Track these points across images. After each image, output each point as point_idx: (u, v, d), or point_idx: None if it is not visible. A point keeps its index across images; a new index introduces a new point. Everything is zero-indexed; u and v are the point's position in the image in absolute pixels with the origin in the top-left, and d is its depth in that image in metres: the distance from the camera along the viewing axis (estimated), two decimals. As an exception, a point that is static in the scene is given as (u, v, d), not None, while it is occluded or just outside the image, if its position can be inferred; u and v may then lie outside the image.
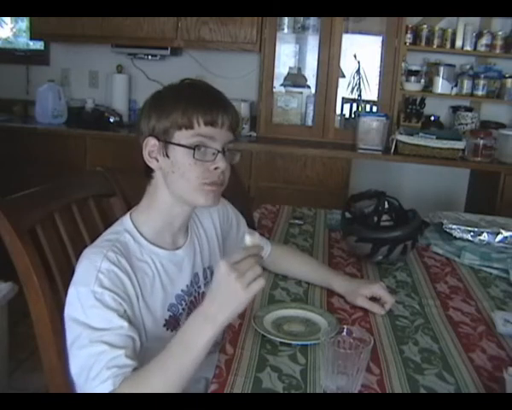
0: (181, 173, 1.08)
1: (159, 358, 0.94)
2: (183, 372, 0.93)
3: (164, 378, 0.92)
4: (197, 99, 1.08)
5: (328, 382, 0.96)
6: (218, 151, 1.08)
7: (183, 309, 1.18)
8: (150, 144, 1.09)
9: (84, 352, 0.96)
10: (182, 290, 1.18)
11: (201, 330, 0.92)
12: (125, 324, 0.99)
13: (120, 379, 0.92)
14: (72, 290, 1.01)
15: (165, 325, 1.13)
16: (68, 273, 1.17)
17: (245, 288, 0.90)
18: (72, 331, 0.99)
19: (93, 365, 0.94)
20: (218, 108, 1.08)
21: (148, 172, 1.13)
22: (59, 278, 1.18)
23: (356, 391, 0.95)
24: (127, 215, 1.15)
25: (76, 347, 0.97)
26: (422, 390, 0.99)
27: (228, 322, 0.94)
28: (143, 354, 1.02)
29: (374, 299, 1.30)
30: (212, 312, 0.92)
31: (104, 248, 1.05)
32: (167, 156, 1.08)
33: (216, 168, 1.08)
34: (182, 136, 1.07)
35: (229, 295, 0.91)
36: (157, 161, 1.09)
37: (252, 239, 0.97)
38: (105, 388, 0.92)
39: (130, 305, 1.03)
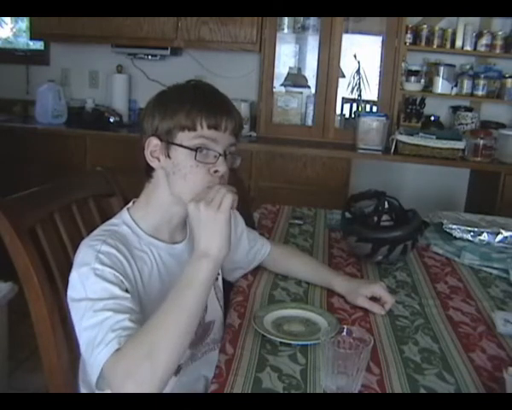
0: (182, 175, 1.08)
1: (159, 308, 0.93)
2: (187, 313, 0.93)
3: (170, 323, 0.91)
4: (202, 102, 1.08)
5: (328, 382, 0.96)
6: (220, 154, 1.08)
7: None
8: (152, 144, 1.09)
9: (89, 323, 0.95)
10: None
11: (198, 268, 0.94)
12: (128, 295, 0.99)
13: (125, 340, 0.91)
14: (73, 274, 1.01)
15: None
16: (68, 273, 1.17)
17: (217, 210, 0.94)
18: (76, 312, 0.98)
19: (98, 332, 0.93)
20: (222, 111, 1.09)
21: (149, 172, 1.13)
22: (59, 278, 1.19)
23: (356, 391, 0.95)
24: (125, 210, 1.16)
25: (82, 322, 0.96)
26: (422, 390, 0.99)
27: (223, 253, 0.96)
28: None
29: (374, 299, 1.30)
30: (202, 249, 0.95)
31: (103, 236, 1.06)
32: (169, 157, 1.09)
33: (216, 171, 1.09)
34: (184, 137, 1.07)
35: (208, 225, 0.94)
36: (159, 160, 1.10)
37: None
38: (109, 349, 0.90)
39: (130, 285, 1.02)
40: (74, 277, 1.01)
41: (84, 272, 0.99)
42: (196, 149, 1.06)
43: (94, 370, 0.92)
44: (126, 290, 1.00)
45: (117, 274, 1.00)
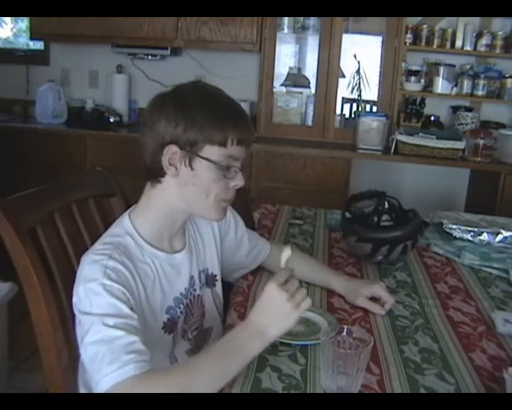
0: (202, 187, 1.09)
1: (203, 355, 0.97)
2: (226, 377, 0.95)
3: (207, 376, 0.94)
4: (233, 117, 1.09)
5: (328, 382, 0.96)
6: (240, 169, 1.11)
7: (181, 312, 1.18)
8: (171, 151, 1.07)
9: (97, 337, 0.94)
10: (180, 294, 1.18)
11: (250, 343, 0.96)
12: (135, 315, 0.99)
13: (144, 366, 0.91)
14: (80, 289, 1.00)
15: (163, 328, 1.14)
16: (68, 273, 1.17)
17: (295, 307, 0.97)
18: (83, 324, 0.97)
19: (107, 350, 0.92)
20: (248, 127, 1.12)
21: (157, 176, 1.11)
22: (59, 278, 1.18)
23: (356, 391, 0.95)
24: (126, 216, 1.15)
25: (89, 336, 0.95)
26: (422, 390, 0.99)
27: (273, 340, 0.99)
28: None
29: (374, 299, 1.30)
30: (262, 327, 0.97)
31: (108, 249, 1.05)
32: (191, 167, 1.08)
33: (234, 185, 1.11)
34: (212, 151, 1.07)
35: (281, 314, 0.97)
36: (175, 168, 1.08)
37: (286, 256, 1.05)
38: (125, 372, 0.90)
39: (134, 303, 1.02)
40: (80, 292, 0.99)
41: (92, 287, 0.98)
42: (226, 167, 1.08)
43: (100, 386, 0.91)
44: (131, 309, 0.99)
45: (124, 291, 1.00)
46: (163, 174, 1.10)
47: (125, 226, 1.12)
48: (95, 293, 0.97)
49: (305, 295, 0.99)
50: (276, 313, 0.97)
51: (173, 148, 1.07)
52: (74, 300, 1.01)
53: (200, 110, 1.06)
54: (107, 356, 0.91)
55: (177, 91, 1.11)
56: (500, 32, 3.12)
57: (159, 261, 1.13)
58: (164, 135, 1.07)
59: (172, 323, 1.16)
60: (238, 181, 1.11)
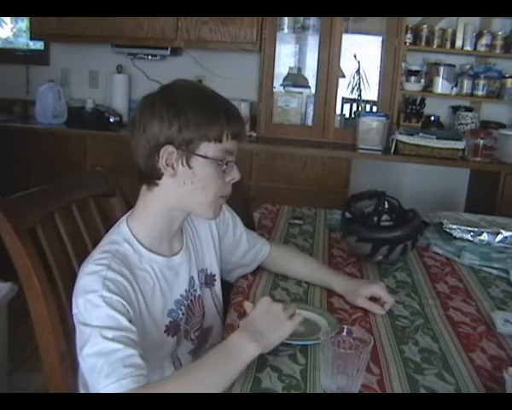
0: (202, 185, 1.09)
1: (201, 361, 0.97)
2: (225, 383, 0.95)
3: (205, 387, 0.93)
4: (225, 112, 1.09)
5: (328, 382, 0.96)
6: (236, 163, 1.11)
7: (183, 314, 1.18)
8: (168, 152, 1.06)
9: (96, 349, 0.94)
10: (181, 295, 1.18)
11: (246, 347, 0.96)
12: (134, 328, 0.98)
13: (140, 381, 0.92)
14: (79, 301, 0.99)
15: (165, 331, 1.14)
16: (68, 273, 1.17)
17: (288, 318, 1.03)
18: (82, 335, 0.97)
19: (105, 362, 0.92)
20: (241, 120, 1.12)
21: (152, 178, 1.10)
22: (59, 278, 1.18)
23: (356, 391, 0.95)
24: (123, 222, 1.14)
25: (87, 347, 0.95)
26: (422, 390, 0.99)
27: (269, 350, 1.01)
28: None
29: (374, 299, 1.30)
30: (258, 332, 0.99)
31: (106, 259, 1.04)
32: (188, 166, 1.07)
33: (230, 179, 1.12)
34: (209, 148, 1.07)
35: (277, 322, 1.02)
36: (173, 169, 1.07)
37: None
38: (123, 386, 0.90)
39: (133, 314, 1.02)
40: (81, 303, 0.99)
41: (91, 299, 0.98)
42: (226, 163, 1.09)
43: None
44: (130, 321, 0.99)
45: (124, 302, 0.99)
46: (159, 176, 1.09)
47: (122, 233, 1.11)
48: (94, 305, 0.97)
49: (297, 311, 1.05)
50: (273, 320, 1.01)
51: (169, 148, 1.06)
52: (74, 311, 1.01)
53: (193, 108, 1.06)
54: (104, 368, 0.92)
55: (166, 91, 1.11)
56: (500, 32, 3.12)
57: (158, 266, 1.13)
58: (158, 136, 1.06)
59: (175, 325, 1.16)
60: (234, 175, 1.12)
